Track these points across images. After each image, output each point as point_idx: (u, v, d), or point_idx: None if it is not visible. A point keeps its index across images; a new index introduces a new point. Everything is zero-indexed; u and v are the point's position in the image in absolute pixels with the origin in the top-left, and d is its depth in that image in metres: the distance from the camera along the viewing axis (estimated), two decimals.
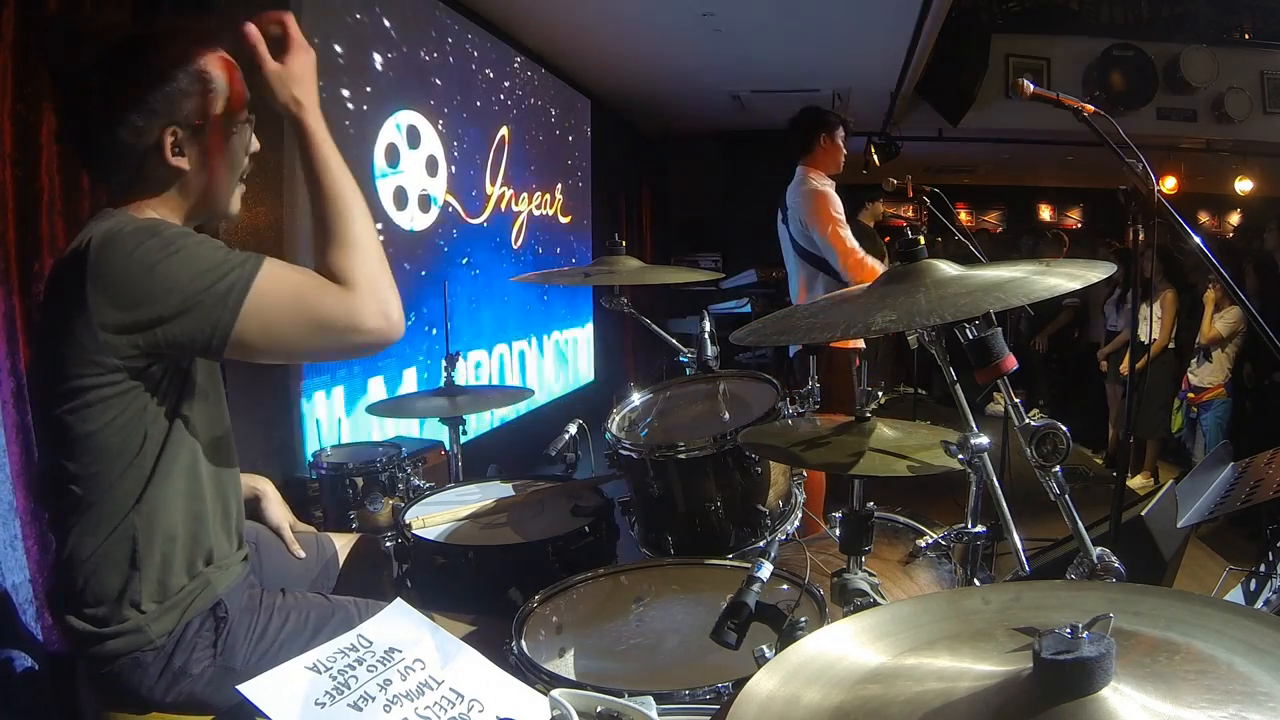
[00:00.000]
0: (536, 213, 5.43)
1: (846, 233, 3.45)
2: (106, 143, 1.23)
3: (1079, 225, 11.15)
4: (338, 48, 3.33)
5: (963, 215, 11.12)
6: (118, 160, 1.25)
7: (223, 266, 1.16)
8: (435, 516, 1.82)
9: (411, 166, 3.87)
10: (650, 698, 0.99)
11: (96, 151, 1.25)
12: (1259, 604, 1.68)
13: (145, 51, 1.23)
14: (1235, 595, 1.77)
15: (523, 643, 1.23)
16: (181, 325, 1.14)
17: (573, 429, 2.02)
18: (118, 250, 1.15)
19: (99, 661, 1.24)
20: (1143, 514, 2.29)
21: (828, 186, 3.54)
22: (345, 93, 3.38)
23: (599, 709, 0.95)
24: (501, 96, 4.90)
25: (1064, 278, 1.08)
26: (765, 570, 1.13)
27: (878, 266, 3.41)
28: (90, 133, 1.24)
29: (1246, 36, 7.29)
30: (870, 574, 1.33)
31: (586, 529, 1.72)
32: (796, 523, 1.82)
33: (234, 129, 1.31)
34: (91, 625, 1.22)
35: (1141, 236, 2.11)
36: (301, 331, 1.19)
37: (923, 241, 1.21)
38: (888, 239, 6.47)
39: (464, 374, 2.40)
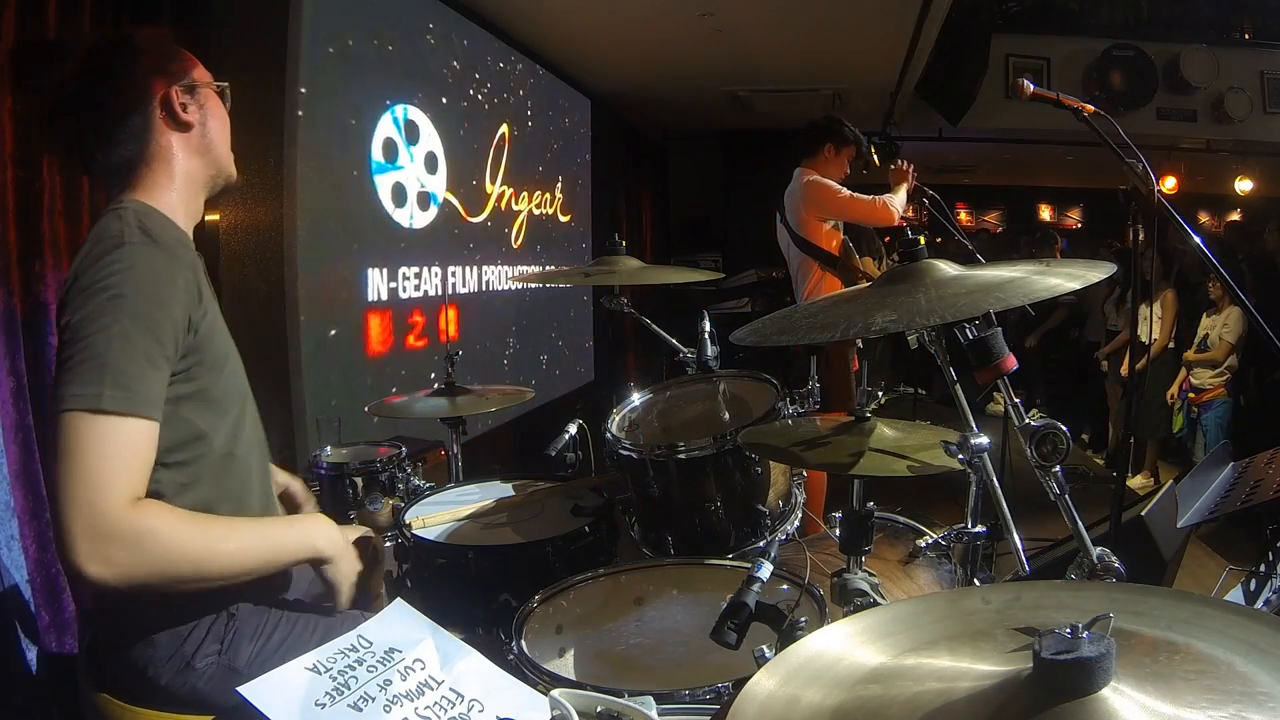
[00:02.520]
0: (536, 212, 5.43)
1: (857, 195, 3.53)
2: (111, 117, 1.26)
3: (1079, 225, 11.16)
4: (337, 44, 3.33)
5: (963, 215, 11.12)
6: (127, 132, 1.28)
7: (108, 368, 1.11)
8: (435, 516, 1.81)
9: (410, 163, 3.87)
10: (650, 698, 0.99)
11: (100, 131, 1.27)
12: (1259, 604, 1.67)
13: (126, 39, 1.32)
14: (1235, 595, 1.76)
15: (523, 643, 1.23)
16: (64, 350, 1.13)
17: (573, 429, 2.02)
18: (91, 248, 1.19)
19: (113, 634, 1.26)
20: (1143, 514, 2.28)
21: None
22: (344, 88, 3.37)
23: (599, 709, 0.95)
24: (503, 95, 4.90)
25: (1064, 278, 1.08)
26: (765, 570, 1.13)
27: (890, 200, 3.49)
28: (90, 115, 1.27)
29: (1246, 36, 7.29)
30: (870, 574, 1.33)
31: (586, 529, 1.72)
32: (796, 523, 1.82)
33: (216, 90, 1.40)
34: (113, 599, 1.23)
35: (1142, 236, 2.11)
36: (52, 487, 1.10)
37: (923, 241, 1.21)
38: (887, 239, 6.47)
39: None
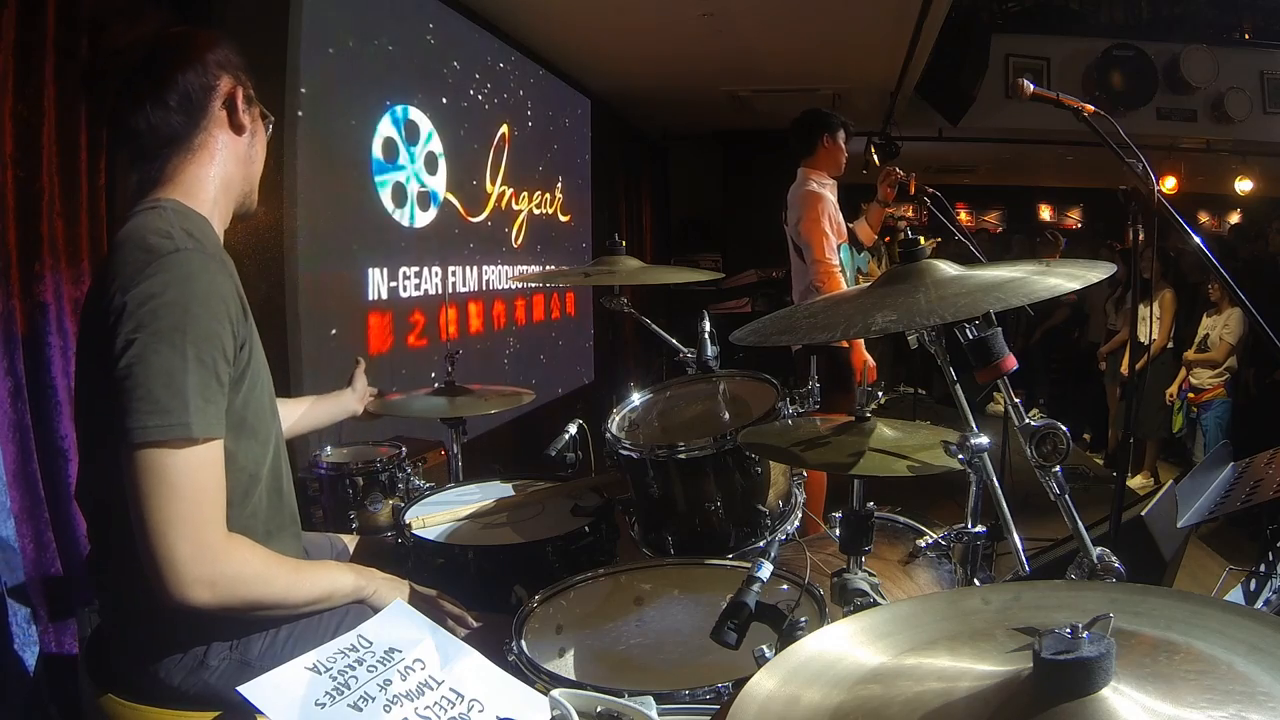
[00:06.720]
0: (536, 212, 5.43)
1: (829, 237, 3.49)
2: (171, 82, 1.23)
3: (1079, 225, 11.15)
4: (337, 43, 3.33)
5: (963, 215, 11.12)
6: (183, 100, 1.24)
7: (190, 393, 1.09)
8: (435, 516, 1.81)
9: (411, 164, 3.87)
10: (650, 698, 0.99)
11: (156, 91, 1.23)
12: (1259, 604, 1.68)
13: (204, 30, 1.31)
14: (1235, 595, 1.77)
15: (523, 643, 1.23)
16: (107, 393, 1.10)
17: (573, 429, 2.02)
18: (136, 253, 1.15)
19: (129, 639, 1.25)
20: (1143, 514, 2.28)
21: (825, 189, 3.58)
22: (344, 88, 3.37)
23: (599, 709, 0.95)
24: (503, 95, 4.90)
25: (1064, 278, 1.08)
26: (765, 570, 1.13)
27: (843, 284, 3.47)
28: (152, 77, 1.23)
29: (1246, 36, 7.29)
30: (870, 574, 1.33)
31: (586, 529, 1.72)
32: (796, 523, 1.82)
33: (263, 115, 1.38)
34: (131, 602, 1.22)
35: (1142, 236, 2.11)
36: (148, 520, 1.08)
37: (923, 241, 1.21)
38: (888, 239, 6.47)
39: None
